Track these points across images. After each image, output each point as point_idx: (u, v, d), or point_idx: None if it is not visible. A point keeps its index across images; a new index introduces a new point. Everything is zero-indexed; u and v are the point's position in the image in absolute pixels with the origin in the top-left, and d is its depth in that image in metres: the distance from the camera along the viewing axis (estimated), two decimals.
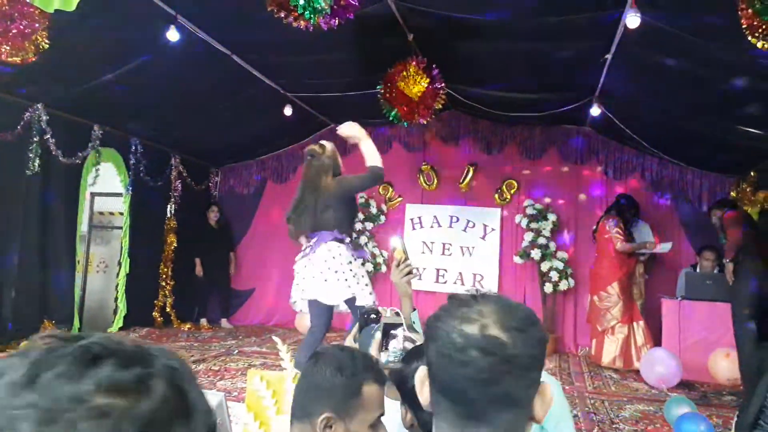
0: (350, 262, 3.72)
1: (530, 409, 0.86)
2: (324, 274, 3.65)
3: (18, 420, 0.47)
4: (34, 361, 0.51)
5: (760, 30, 2.51)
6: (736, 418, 2.70)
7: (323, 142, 3.96)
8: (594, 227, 6.34)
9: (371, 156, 3.68)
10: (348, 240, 3.84)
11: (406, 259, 2.17)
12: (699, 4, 3.37)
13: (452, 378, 0.83)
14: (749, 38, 2.59)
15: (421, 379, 0.94)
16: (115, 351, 0.53)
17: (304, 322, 7.17)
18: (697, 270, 6.03)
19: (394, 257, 2.19)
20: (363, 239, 7.57)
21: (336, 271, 3.65)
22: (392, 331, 1.84)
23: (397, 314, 2.07)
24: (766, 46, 2.54)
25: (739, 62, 3.70)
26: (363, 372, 1.38)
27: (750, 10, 2.53)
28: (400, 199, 7.70)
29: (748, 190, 5.63)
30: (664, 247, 5.99)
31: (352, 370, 1.37)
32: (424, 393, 0.93)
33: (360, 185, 3.86)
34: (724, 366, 5.13)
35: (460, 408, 0.84)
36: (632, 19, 3.60)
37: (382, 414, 1.41)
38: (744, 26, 2.58)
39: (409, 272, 2.16)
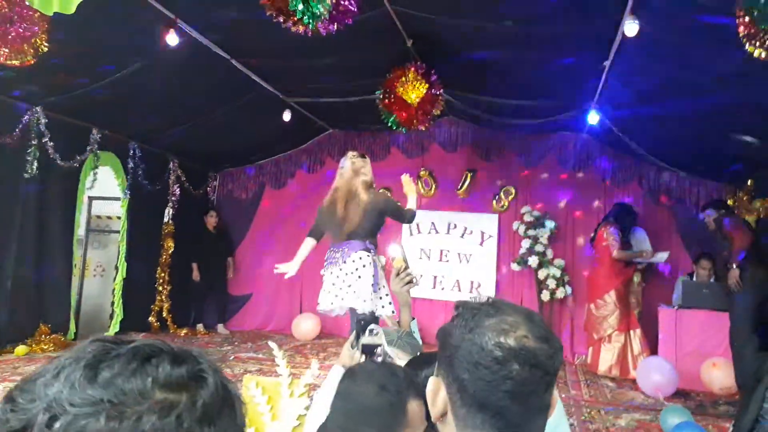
0: (374, 275, 3.84)
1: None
2: (354, 284, 3.80)
3: (85, 416, 0.49)
4: (91, 361, 0.53)
5: (757, 38, 2.52)
6: (731, 428, 2.69)
7: (364, 154, 4.17)
8: (592, 235, 6.34)
9: (413, 203, 4.16)
10: (373, 250, 3.96)
11: (407, 267, 2.15)
12: (697, 12, 3.38)
13: (491, 391, 0.81)
14: (747, 47, 2.60)
15: (434, 390, 0.91)
16: (165, 351, 0.57)
17: (301, 327, 7.16)
18: (694, 278, 6.03)
19: (393, 266, 2.16)
20: None
21: (360, 277, 3.81)
22: (374, 351, 1.78)
23: (398, 324, 2.06)
24: (763, 54, 2.55)
25: (736, 71, 3.70)
26: (407, 389, 1.29)
27: (747, 18, 2.54)
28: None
29: (744, 198, 5.64)
30: (660, 257, 6.01)
31: (397, 388, 1.28)
32: (437, 405, 0.90)
33: (398, 214, 4.12)
34: (716, 375, 5.12)
35: (497, 420, 0.82)
36: (630, 27, 3.62)
37: (425, 429, 1.31)
38: (741, 34, 2.58)
39: (410, 281, 2.14)
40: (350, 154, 4.07)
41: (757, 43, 2.50)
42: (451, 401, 0.87)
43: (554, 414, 2.10)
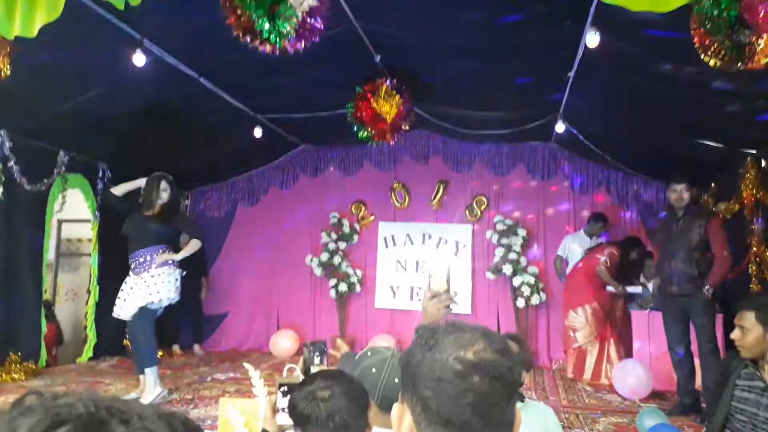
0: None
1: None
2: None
3: None
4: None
5: (711, 49, 2.60)
6: (704, 428, 2.75)
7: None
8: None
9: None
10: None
11: (448, 290, 2.02)
12: (656, 24, 3.47)
13: (454, 405, 0.83)
14: (702, 56, 2.68)
15: (399, 415, 0.92)
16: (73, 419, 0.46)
17: (279, 345, 7.10)
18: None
19: (431, 285, 2.00)
20: (337, 259, 7.55)
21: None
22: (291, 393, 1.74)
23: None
24: (718, 64, 2.63)
25: (695, 80, 3.82)
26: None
27: (702, 29, 2.62)
28: (372, 217, 7.72)
29: (709, 201, 5.77)
30: (633, 290, 6.07)
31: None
32: (404, 430, 0.91)
33: None
34: None
35: None
36: (592, 38, 3.70)
37: None
38: (696, 45, 2.67)
39: (448, 305, 2.00)
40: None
41: (712, 53, 2.58)
42: (416, 423, 0.88)
43: (551, 427, 2.14)
